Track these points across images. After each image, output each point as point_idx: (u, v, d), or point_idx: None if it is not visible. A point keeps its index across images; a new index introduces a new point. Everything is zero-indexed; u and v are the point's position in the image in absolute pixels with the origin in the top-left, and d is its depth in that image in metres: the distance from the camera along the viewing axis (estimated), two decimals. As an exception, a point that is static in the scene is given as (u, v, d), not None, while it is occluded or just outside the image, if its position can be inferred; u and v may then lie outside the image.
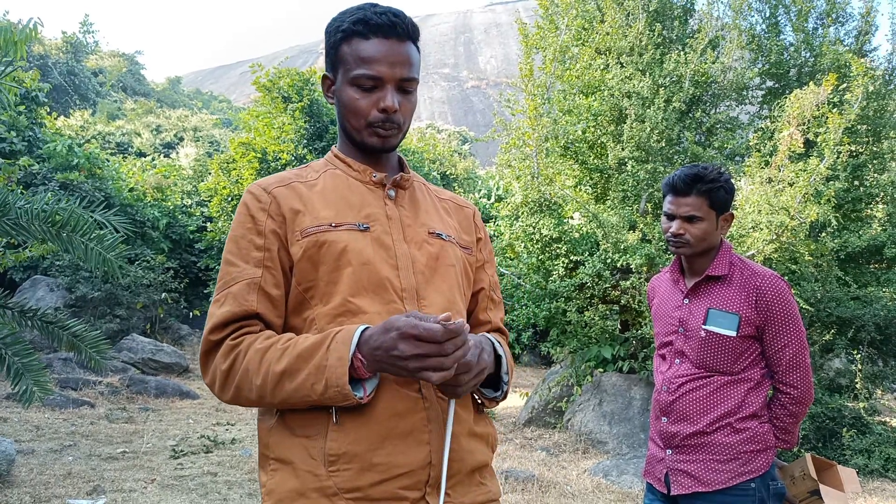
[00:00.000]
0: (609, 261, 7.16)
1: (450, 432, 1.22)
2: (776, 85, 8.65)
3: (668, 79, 7.70)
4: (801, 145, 6.86)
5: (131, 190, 13.94)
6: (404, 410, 1.20)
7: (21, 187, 11.11)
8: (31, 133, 13.21)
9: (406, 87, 1.32)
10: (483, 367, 1.20)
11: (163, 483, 5.09)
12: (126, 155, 22.17)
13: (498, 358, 1.33)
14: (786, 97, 7.54)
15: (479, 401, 1.37)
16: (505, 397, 1.36)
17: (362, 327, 1.16)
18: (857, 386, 7.46)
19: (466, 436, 1.29)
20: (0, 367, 4.47)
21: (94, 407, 7.49)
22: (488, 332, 1.44)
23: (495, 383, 1.35)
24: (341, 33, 1.32)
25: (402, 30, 1.29)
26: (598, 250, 7.35)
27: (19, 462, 5.15)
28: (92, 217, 4.87)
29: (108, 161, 14.79)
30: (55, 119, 16.39)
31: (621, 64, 8.09)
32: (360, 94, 1.30)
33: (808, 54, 8.31)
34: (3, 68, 4.12)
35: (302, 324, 1.26)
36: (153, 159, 20.48)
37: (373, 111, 1.30)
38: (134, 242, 12.30)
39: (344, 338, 1.14)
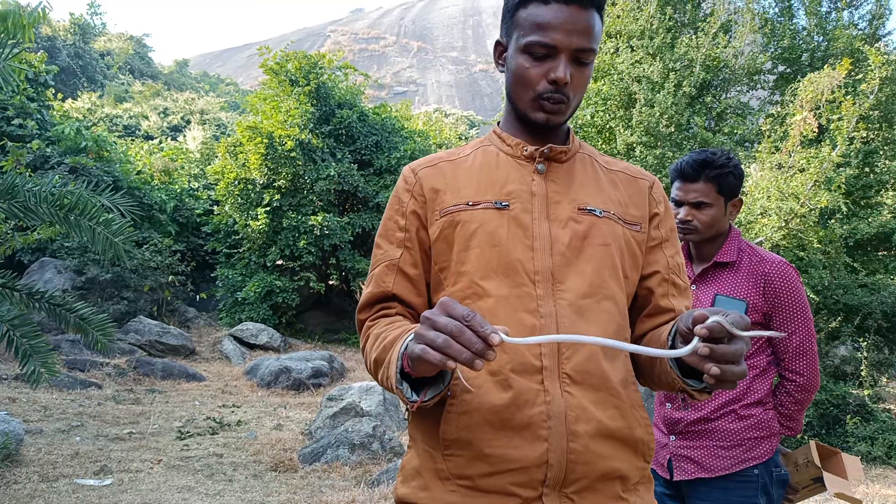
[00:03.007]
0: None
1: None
2: (788, 70, 8.56)
3: (678, 63, 7.63)
4: (815, 130, 6.79)
5: (139, 173, 13.95)
6: (522, 403, 1.12)
7: (30, 170, 11.14)
8: (38, 116, 13.23)
9: (582, 58, 1.21)
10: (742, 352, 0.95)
11: (169, 464, 5.14)
12: (134, 138, 22.19)
13: None
14: (798, 82, 7.46)
15: (684, 393, 1.18)
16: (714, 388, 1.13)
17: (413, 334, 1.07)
18: (863, 373, 7.45)
19: (595, 436, 1.14)
20: (8, 348, 4.49)
21: (102, 388, 7.55)
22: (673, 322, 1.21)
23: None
24: None
25: None
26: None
27: (27, 442, 5.21)
28: (99, 200, 4.87)
29: (116, 144, 14.80)
30: (62, 102, 16.40)
31: (631, 48, 8.01)
32: (531, 62, 1.21)
33: (821, 38, 8.21)
34: (10, 51, 4.10)
35: None
36: (160, 142, 20.49)
37: (542, 82, 1.21)
38: (141, 226, 12.34)
39: (405, 334, 1.08)
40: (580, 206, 1.24)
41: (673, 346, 1.07)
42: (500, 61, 1.31)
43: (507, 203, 1.22)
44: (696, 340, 0.92)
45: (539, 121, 1.24)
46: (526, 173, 1.26)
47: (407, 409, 1.14)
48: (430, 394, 1.06)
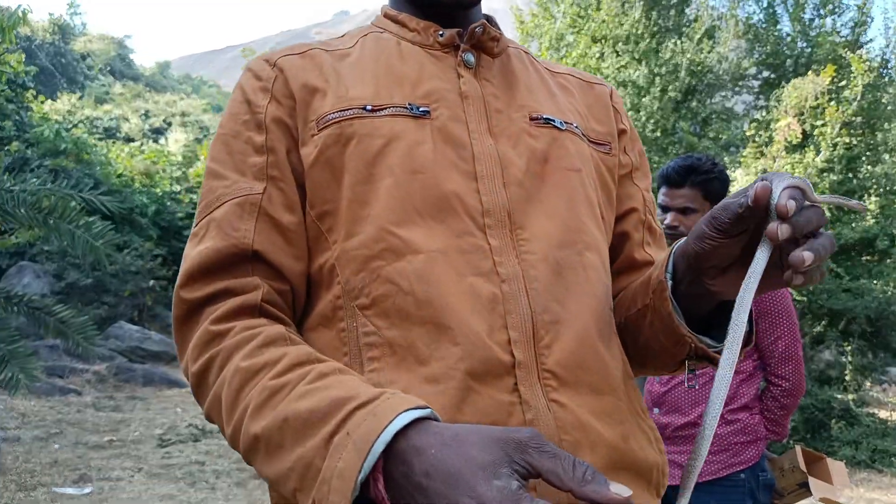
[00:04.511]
0: (602, 251, 7.18)
1: (717, 410, 0.64)
2: (772, 75, 8.66)
3: (663, 68, 7.69)
4: (800, 135, 6.89)
5: (119, 176, 13.81)
6: (490, 425, 0.63)
7: (8, 173, 10.97)
8: (17, 117, 13.04)
9: None
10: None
11: (150, 472, 5.08)
12: (114, 140, 21.98)
13: None
14: (782, 87, 7.55)
15: (699, 360, 0.78)
16: (747, 344, 0.74)
17: (406, 420, 0.56)
18: (847, 378, 7.53)
19: (607, 471, 0.71)
20: (-16, 354, 4.41)
21: (81, 395, 7.48)
22: None
23: (705, 325, 0.77)
24: None
25: None
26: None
27: (5, 450, 5.13)
28: (81, 200, 4.82)
29: (96, 146, 14.64)
30: (42, 103, 16.19)
31: (617, 52, 8.06)
32: None
33: (805, 45, 8.31)
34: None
35: (318, 275, 0.77)
36: (142, 145, 20.31)
37: None
38: (122, 229, 12.20)
39: (366, 431, 0.56)
40: (533, 115, 0.84)
41: (675, 289, 0.74)
42: None
43: (426, 108, 0.79)
44: (764, 245, 0.61)
45: None
46: (447, 67, 0.83)
47: None
48: None
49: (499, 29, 0.88)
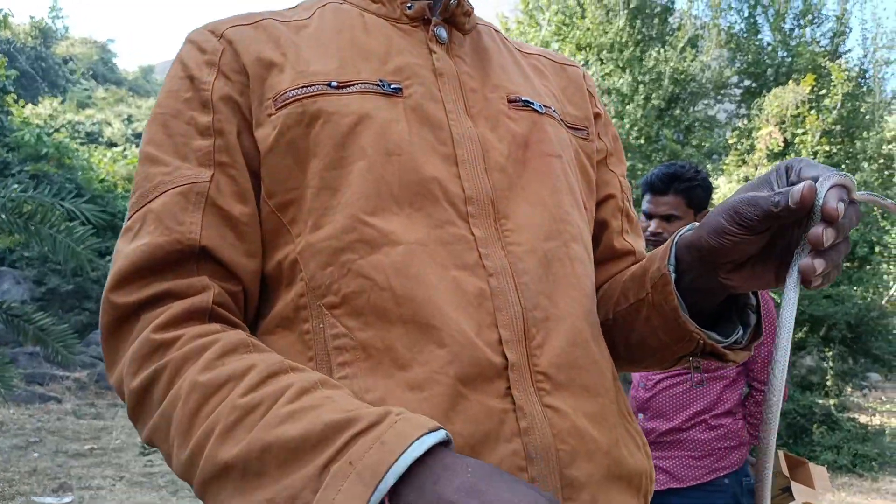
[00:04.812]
0: (587, 257, 7.22)
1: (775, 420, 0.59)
2: (753, 84, 8.79)
3: (647, 76, 7.78)
4: (781, 143, 6.98)
5: (102, 181, 13.69)
6: (480, 439, 0.61)
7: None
8: (-3, 121, 12.90)
9: None
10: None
11: (131, 480, 5.04)
12: (97, 145, 21.79)
13: None
14: (763, 96, 7.66)
15: (707, 357, 0.74)
16: (755, 339, 0.75)
17: (421, 450, 0.50)
18: (828, 383, 7.60)
19: (604, 482, 0.67)
20: (-38, 361, 4.35)
21: (61, 402, 7.40)
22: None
23: (716, 320, 0.74)
24: None
25: None
26: (577, 247, 7.40)
27: (-18, 459, 5.06)
28: (62, 207, 4.77)
29: (78, 151, 14.51)
30: (23, 107, 16.02)
31: (601, 60, 8.14)
32: None
33: (785, 54, 8.44)
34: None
35: (276, 272, 0.69)
36: (124, 150, 20.15)
37: None
38: (104, 235, 12.08)
39: (374, 461, 0.50)
40: (510, 97, 0.78)
41: (678, 279, 0.68)
42: None
43: (398, 85, 0.72)
44: (804, 250, 0.56)
45: None
46: (417, 42, 0.76)
47: None
48: None
49: (470, 5, 0.82)
